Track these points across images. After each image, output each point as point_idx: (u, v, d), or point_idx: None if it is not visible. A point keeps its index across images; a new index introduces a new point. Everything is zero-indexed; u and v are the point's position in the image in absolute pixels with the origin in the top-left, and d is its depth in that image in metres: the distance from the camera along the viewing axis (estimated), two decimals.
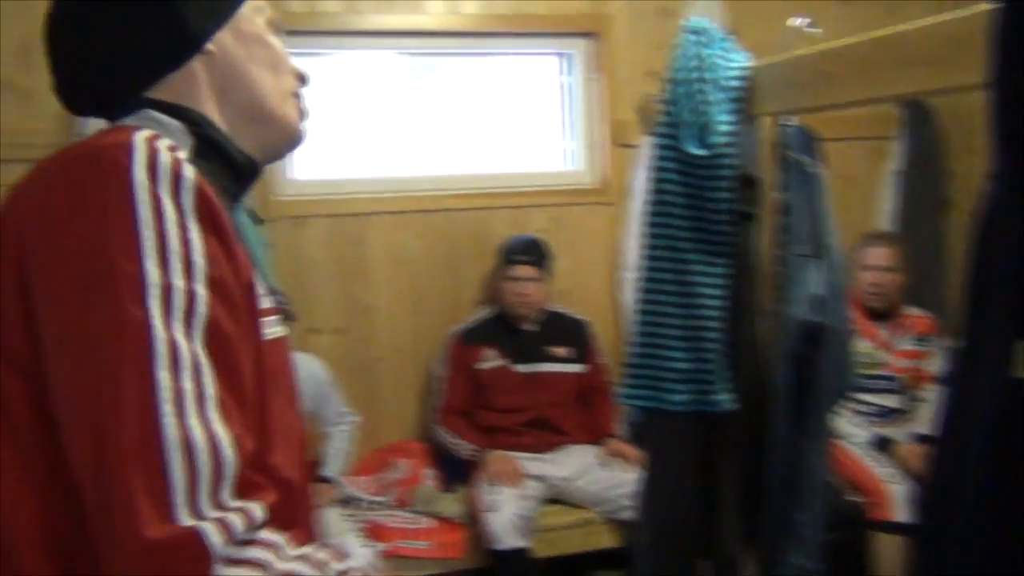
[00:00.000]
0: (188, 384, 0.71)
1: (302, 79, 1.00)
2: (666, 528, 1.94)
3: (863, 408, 3.41)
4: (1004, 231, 1.06)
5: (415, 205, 3.51)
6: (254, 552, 0.71)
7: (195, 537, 0.68)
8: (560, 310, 3.43)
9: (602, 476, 3.11)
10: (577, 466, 3.15)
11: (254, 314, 0.83)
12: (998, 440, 1.05)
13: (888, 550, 3.19)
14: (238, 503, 0.72)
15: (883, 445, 3.33)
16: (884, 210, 3.92)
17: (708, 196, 1.80)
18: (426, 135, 3.63)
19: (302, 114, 0.99)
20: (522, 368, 3.23)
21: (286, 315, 3.06)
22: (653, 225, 1.85)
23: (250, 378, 0.79)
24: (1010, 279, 1.04)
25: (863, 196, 3.98)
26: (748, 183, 1.83)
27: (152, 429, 0.69)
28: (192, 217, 0.75)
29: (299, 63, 1.01)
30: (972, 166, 3.87)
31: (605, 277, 3.74)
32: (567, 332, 3.38)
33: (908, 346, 3.47)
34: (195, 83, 0.90)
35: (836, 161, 3.84)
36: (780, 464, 1.88)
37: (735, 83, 1.81)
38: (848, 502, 3.18)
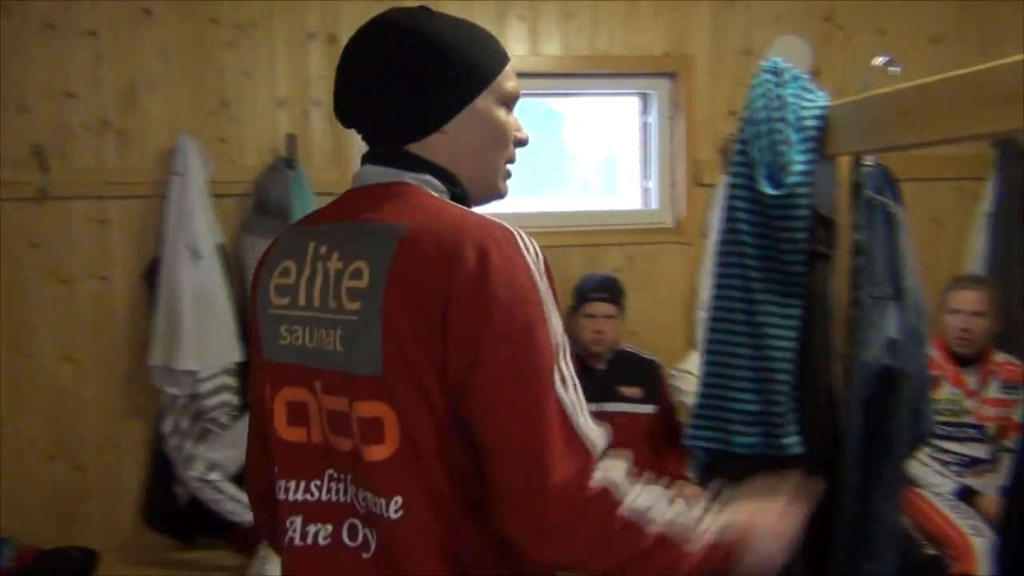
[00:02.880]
0: (573, 397, 1.04)
1: (522, 143, 1.23)
2: None
3: (947, 457, 3.29)
4: None
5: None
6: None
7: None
8: (631, 349, 3.40)
9: None
10: None
11: None
12: None
13: None
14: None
15: (967, 496, 3.19)
16: (975, 253, 3.79)
17: (782, 236, 1.78)
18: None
19: (508, 176, 1.23)
20: (592, 408, 3.19)
21: None
22: (725, 264, 1.84)
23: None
24: None
25: (953, 238, 3.87)
26: (824, 223, 1.81)
27: (570, 428, 1.02)
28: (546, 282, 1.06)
29: (524, 128, 1.23)
30: None
31: (681, 318, 3.71)
32: (638, 372, 3.35)
33: (996, 394, 3.33)
34: (436, 151, 1.16)
35: (925, 202, 3.80)
36: (850, 512, 1.83)
37: (812, 123, 1.80)
38: (928, 555, 3.06)
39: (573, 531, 0.98)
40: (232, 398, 3.15)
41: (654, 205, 3.76)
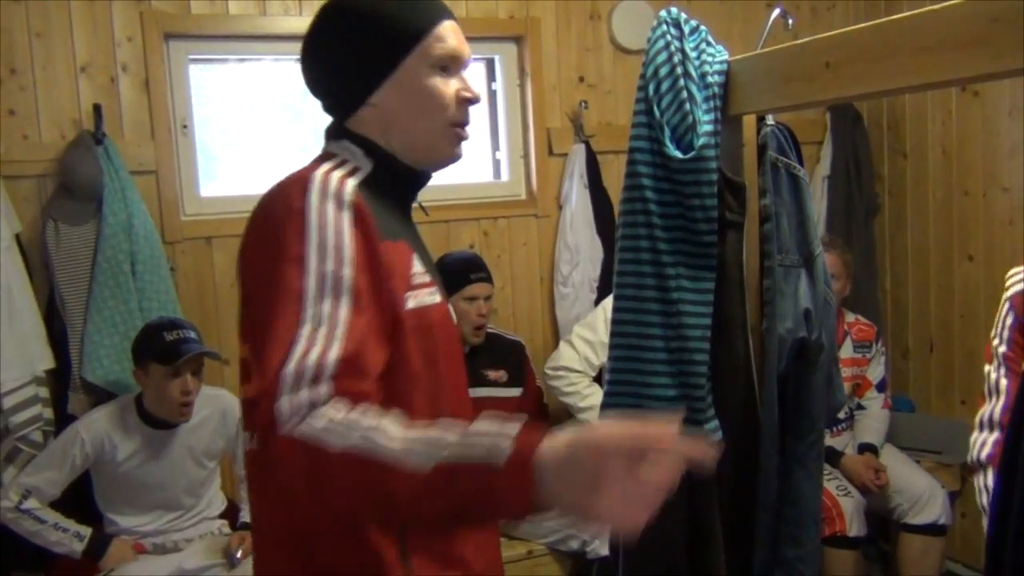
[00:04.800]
0: (323, 330, 0.99)
1: (470, 102, 1.22)
2: (649, 565, 1.75)
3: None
4: None
5: None
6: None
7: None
8: (493, 330, 3.21)
9: None
10: None
11: (404, 286, 1.13)
12: None
13: (841, 564, 3.10)
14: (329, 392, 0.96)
15: (830, 457, 3.23)
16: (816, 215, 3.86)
17: (692, 203, 1.63)
18: None
19: (458, 138, 1.23)
20: None
21: (209, 354, 2.73)
22: (631, 237, 1.66)
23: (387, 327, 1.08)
24: None
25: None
26: (732, 188, 1.67)
27: (288, 344, 0.98)
28: (348, 221, 1.07)
29: (468, 88, 1.23)
30: (900, 169, 3.86)
31: (541, 294, 3.56)
32: (502, 354, 3.17)
33: (850, 353, 3.40)
34: (368, 123, 1.22)
35: None
36: (770, 495, 1.73)
37: (715, 79, 1.65)
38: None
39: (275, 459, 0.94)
40: (43, 411, 2.71)
41: (505, 177, 3.58)
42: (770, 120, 1.75)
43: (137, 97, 2.99)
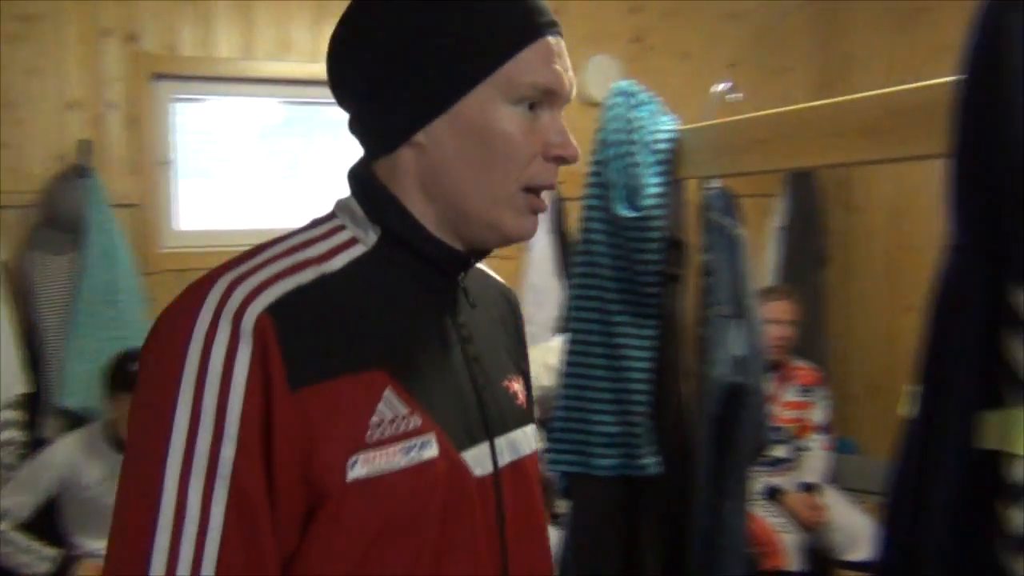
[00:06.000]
0: (186, 550, 0.71)
1: (562, 160, 0.86)
2: None
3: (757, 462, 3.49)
4: (964, 303, 1.08)
5: None
6: None
7: None
8: None
9: None
10: None
11: (348, 447, 0.77)
12: (965, 509, 1.07)
13: None
14: None
15: (773, 495, 3.41)
16: (769, 265, 4.06)
17: (637, 258, 1.80)
18: (324, 186, 3.53)
19: (530, 209, 0.87)
20: None
21: None
22: (582, 287, 1.83)
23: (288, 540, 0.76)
24: (973, 351, 1.07)
25: (750, 251, 4.12)
26: (675, 245, 1.84)
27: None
28: (244, 364, 0.74)
29: (563, 137, 0.86)
30: (848, 223, 4.08)
31: None
32: None
33: (793, 397, 3.58)
34: (402, 171, 0.86)
35: None
36: (703, 527, 1.88)
37: (664, 145, 1.83)
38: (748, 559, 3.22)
39: None
40: (17, 435, 2.80)
41: None
42: (712, 184, 1.92)
43: (122, 133, 3.13)
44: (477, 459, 0.86)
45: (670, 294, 1.84)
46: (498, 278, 1.06)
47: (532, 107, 0.84)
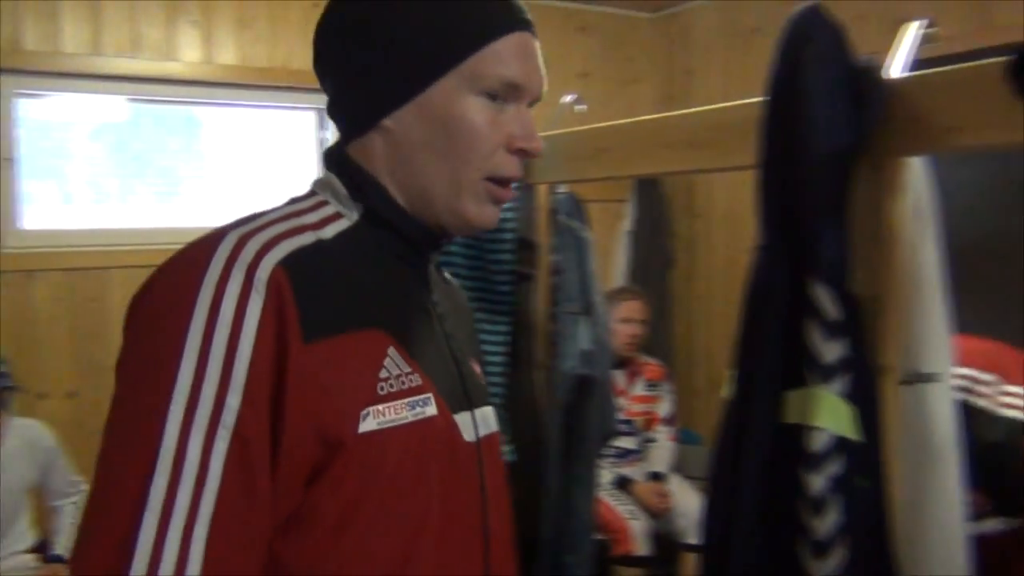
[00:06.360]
0: (183, 498, 0.70)
1: (526, 153, 0.89)
2: None
3: (605, 451, 3.67)
4: (771, 296, 1.24)
5: (159, 259, 3.32)
6: None
7: None
8: None
9: None
10: None
11: (361, 399, 0.79)
12: (770, 475, 1.22)
13: None
14: None
15: (623, 484, 3.60)
16: (619, 267, 4.27)
17: (491, 259, 1.91)
18: (175, 185, 3.48)
19: (491, 199, 0.88)
20: None
21: (11, 388, 2.54)
22: None
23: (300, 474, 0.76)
24: (778, 338, 1.22)
25: (600, 254, 4.32)
26: (526, 246, 1.96)
27: (121, 545, 0.69)
28: (254, 315, 0.74)
29: (527, 131, 0.88)
30: (692, 228, 4.34)
31: None
32: None
33: (642, 391, 3.79)
34: (374, 153, 0.88)
35: None
36: (553, 510, 2.00)
37: None
38: (595, 540, 3.39)
39: None
40: None
41: None
42: (561, 189, 2.05)
43: None
44: (465, 425, 0.89)
45: (522, 292, 1.96)
46: (446, 272, 1.10)
47: (499, 100, 0.86)
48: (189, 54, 3.31)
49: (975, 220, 2.86)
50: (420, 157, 0.86)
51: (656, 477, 3.70)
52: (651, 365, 3.86)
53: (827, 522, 1.14)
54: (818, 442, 1.16)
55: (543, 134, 1.98)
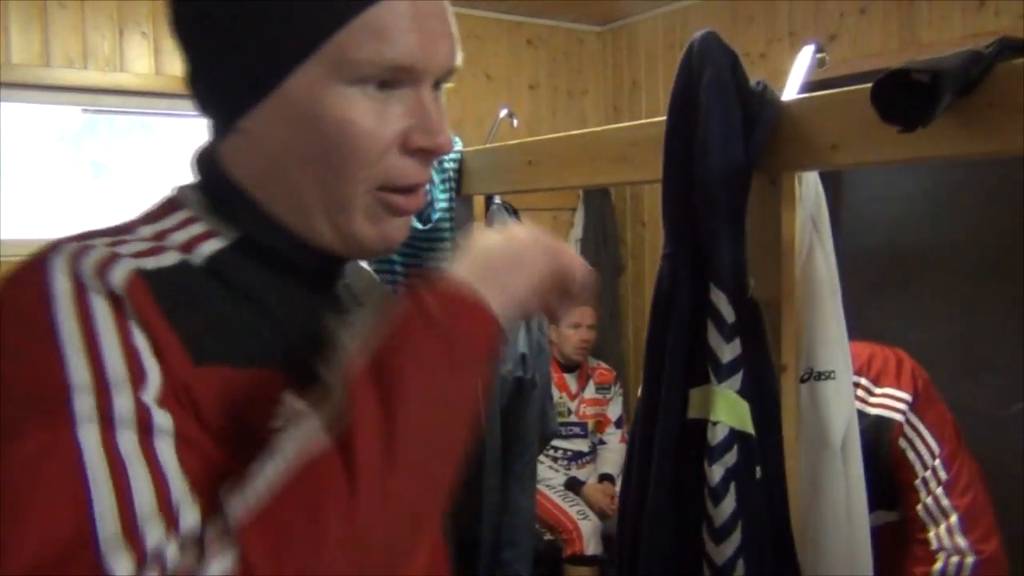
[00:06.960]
0: (144, 496, 0.55)
1: (429, 152, 0.70)
2: None
3: (557, 453, 3.76)
4: (675, 301, 1.33)
5: None
6: None
7: None
8: None
9: None
10: None
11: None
12: (678, 467, 1.31)
13: None
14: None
15: (574, 486, 3.69)
16: None
17: (429, 266, 1.98)
18: (127, 192, 3.52)
19: (389, 210, 0.70)
20: None
21: None
22: None
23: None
24: (683, 339, 1.31)
25: None
26: None
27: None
28: (112, 323, 0.59)
29: (429, 123, 0.69)
30: (640, 236, 4.45)
31: None
32: None
33: (592, 395, 3.89)
34: (240, 159, 0.71)
35: None
36: (492, 508, 2.08)
37: (450, 165, 2.02)
38: (546, 540, 3.48)
39: None
40: None
41: None
42: (497, 199, 2.14)
43: None
44: None
45: None
46: (374, 275, 0.95)
47: (385, 87, 0.67)
48: (139, 65, 3.36)
49: (914, 227, 3.00)
50: (291, 167, 0.68)
51: (606, 478, 3.79)
52: (601, 368, 3.96)
53: (724, 509, 1.23)
54: (717, 435, 1.25)
55: (474, 148, 2.07)
